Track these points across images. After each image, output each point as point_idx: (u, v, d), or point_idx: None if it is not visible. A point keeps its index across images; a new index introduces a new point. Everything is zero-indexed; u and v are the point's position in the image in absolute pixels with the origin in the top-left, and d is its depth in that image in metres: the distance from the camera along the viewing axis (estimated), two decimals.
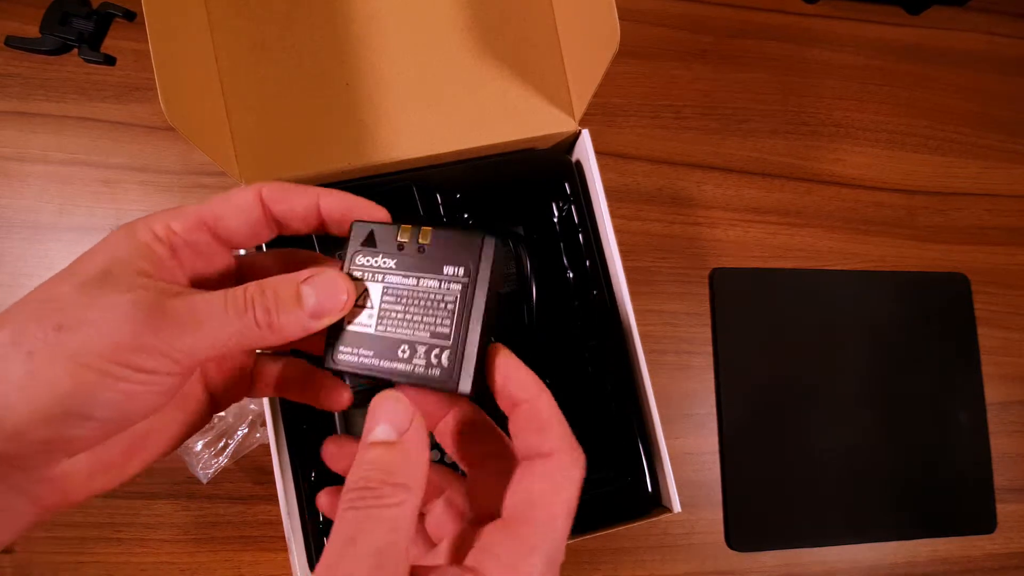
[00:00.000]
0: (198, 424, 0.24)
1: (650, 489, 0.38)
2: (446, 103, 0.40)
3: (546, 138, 0.41)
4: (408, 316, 0.22)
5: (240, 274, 0.25)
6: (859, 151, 0.59)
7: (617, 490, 0.39)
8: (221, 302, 0.20)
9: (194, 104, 0.35)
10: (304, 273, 0.21)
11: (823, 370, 0.54)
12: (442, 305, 0.22)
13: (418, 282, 0.22)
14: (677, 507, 0.35)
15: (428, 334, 0.22)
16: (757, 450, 0.52)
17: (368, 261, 0.23)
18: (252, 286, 0.21)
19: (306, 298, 0.21)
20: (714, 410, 0.52)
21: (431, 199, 0.39)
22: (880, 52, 0.61)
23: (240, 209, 0.23)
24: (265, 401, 0.35)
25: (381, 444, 0.19)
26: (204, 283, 0.23)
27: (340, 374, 0.25)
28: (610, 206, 0.39)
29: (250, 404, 0.46)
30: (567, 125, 0.40)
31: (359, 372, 0.23)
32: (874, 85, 0.60)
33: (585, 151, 0.40)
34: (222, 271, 0.24)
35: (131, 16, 0.51)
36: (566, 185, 0.40)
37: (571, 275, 0.40)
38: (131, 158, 0.50)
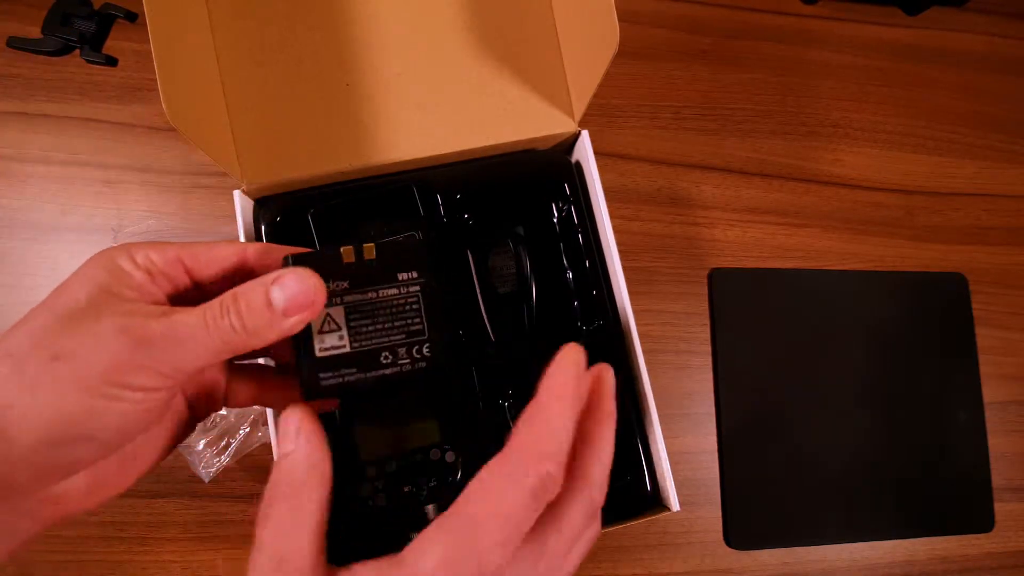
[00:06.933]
0: (181, 436, 0.25)
1: (649, 488, 0.38)
2: (446, 104, 0.40)
3: (546, 139, 0.41)
4: (379, 326, 0.24)
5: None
6: (857, 151, 0.59)
7: (616, 489, 0.39)
8: (200, 316, 0.21)
9: (195, 105, 0.35)
10: (271, 276, 0.22)
11: (821, 370, 0.54)
12: (407, 307, 0.25)
13: (378, 294, 0.24)
14: (676, 506, 0.36)
15: (404, 335, 0.25)
16: (755, 449, 0.52)
17: None
18: (226, 296, 0.22)
19: (275, 299, 0.21)
20: (713, 409, 0.53)
21: (431, 200, 0.39)
22: (878, 53, 0.61)
23: (219, 261, 0.24)
24: None
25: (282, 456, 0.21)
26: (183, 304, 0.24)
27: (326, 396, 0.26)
28: (610, 206, 0.39)
29: None
30: (567, 126, 0.40)
31: (347, 392, 0.24)
32: (872, 86, 0.60)
33: (585, 152, 0.40)
34: (198, 300, 0.25)
35: (132, 17, 0.51)
36: (566, 185, 0.40)
37: (571, 275, 0.40)
38: (132, 158, 0.50)
